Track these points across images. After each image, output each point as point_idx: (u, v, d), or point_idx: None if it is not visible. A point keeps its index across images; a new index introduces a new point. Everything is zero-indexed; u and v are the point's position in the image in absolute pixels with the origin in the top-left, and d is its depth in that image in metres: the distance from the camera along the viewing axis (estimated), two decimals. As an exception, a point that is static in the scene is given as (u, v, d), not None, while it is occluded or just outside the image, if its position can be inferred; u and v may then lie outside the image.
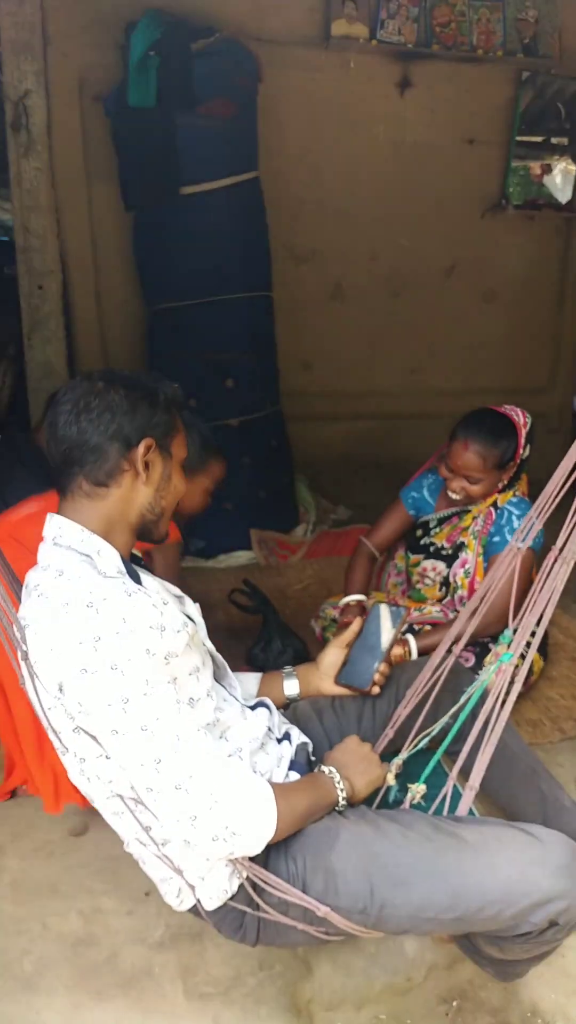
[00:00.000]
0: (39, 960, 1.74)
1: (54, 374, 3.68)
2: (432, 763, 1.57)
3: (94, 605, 1.25)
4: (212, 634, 1.62)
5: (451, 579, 2.54)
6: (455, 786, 1.61)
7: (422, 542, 2.61)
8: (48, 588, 1.28)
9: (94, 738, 1.27)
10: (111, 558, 1.36)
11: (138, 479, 1.39)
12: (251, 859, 1.37)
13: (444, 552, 2.56)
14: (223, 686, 1.58)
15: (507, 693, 1.47)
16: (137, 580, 1.39)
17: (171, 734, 1.24)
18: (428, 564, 2.60)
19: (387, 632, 1.74)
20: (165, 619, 1.33)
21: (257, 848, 1.32)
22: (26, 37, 3.34)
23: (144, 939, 1.79)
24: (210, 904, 1.42)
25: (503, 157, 4.28)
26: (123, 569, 1.37)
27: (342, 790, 1.46)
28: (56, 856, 2.00)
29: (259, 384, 3.71)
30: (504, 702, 1.47)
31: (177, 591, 1.55)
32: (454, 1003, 1.71)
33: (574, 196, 4.48)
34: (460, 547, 2.53)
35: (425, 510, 2.63)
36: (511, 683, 1.48)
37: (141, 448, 1.37)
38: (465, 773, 1.53)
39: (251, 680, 1.73)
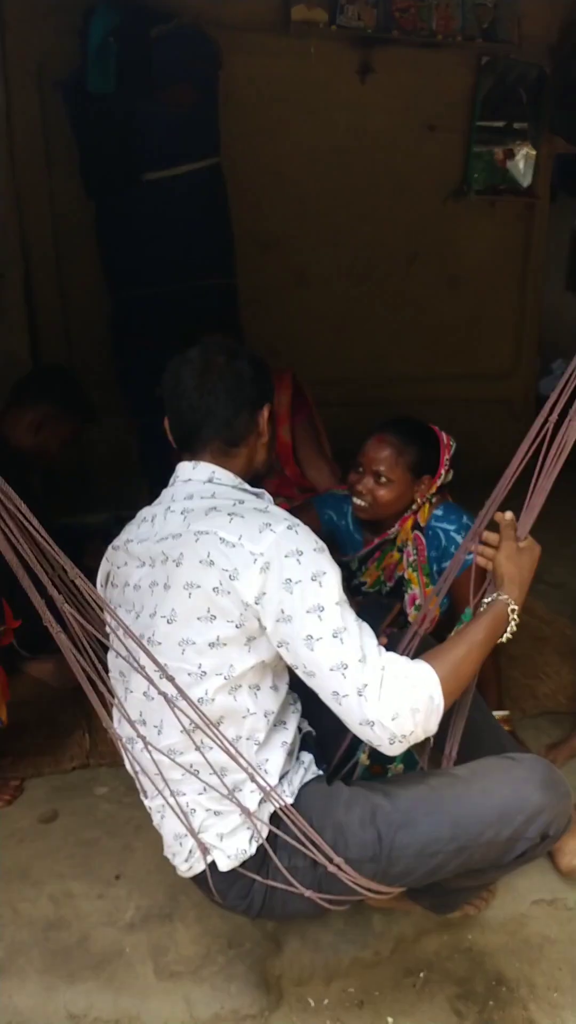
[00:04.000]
0: (10, 945, 1.75)
1: (18, 364, 3.64)
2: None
3: (293, 527, 1.40)
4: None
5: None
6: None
7: (352, 583, 2.44)
8: (236, 510, 1.42)
9: (283, 645, 1.37)
10: (270, 497, 1.54)
11: (260, 440, 1.58)
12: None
13: (385, 591, 2.41)
14: None
15: None
16: None
17: (356, 643, 1.35)
18: None
19: (375, 625, 1.75)
20: None
21: (431, 729, 1.39)
22: (-18, 23, 3.31)
23: (115, 921, 1.81)
24: (225, 865, 1.46)
25: (464, 143, 4.31)
26: None
27: (514, 626, 1.51)
28: (26, 842, 2.01)
29: (225, 371, 3.70)
30: None
31: None
32: (421, 974, 1.75)
33: (535, 181, 4.52)
34: (401, 582, 2.36)
35: (347, 542, 2.43)
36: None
37: (265, 412, 1.56)
38: (439, 747, 1.60)
39: None
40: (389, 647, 1.72)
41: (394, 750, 1.36)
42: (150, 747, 1.42)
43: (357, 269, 4.30)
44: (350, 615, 1.37)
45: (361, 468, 2.24)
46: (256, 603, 1.36)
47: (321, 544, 1.41)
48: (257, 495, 1.52)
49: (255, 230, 3.96)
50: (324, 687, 1.35)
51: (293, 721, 1.54)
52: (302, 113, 3.91)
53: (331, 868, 1.41)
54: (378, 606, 1.80)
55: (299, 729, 1.58)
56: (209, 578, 1.37)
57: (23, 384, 2.83)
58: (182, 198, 3.41)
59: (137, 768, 1.51)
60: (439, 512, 2.28)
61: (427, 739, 1.60)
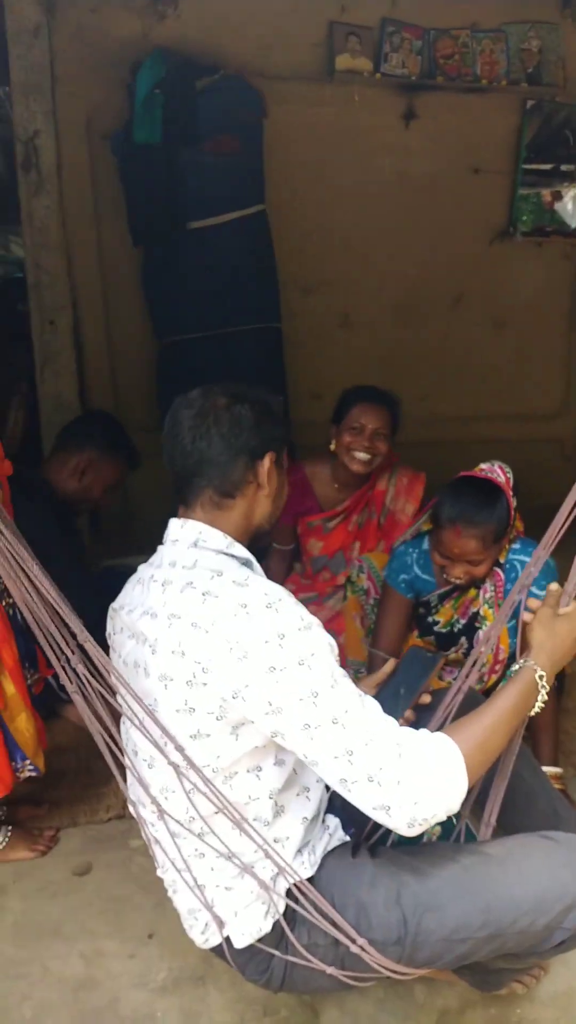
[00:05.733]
0: (39, 1005, 1.70)
1: (66, 408, 3.70)
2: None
3: (273, 605, 1.28)
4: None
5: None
6: (467, 826, 1.59)
7: (428, 620, 2.42)
8: (212, 587, 1.30)
9: (277, 735, 1.26)
10: (258, 565, 1.42)
11: (260, 491, 1.44)
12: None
13: (458, 628, 2.38)
14: None
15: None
16: None
17: (360, 726, 1.24)
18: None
19: (418, 678, 1.70)
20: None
21: (453, 809, 1.28)
22: (35, 78, 3.41)
23: (146, 983, 1.75)
24: (240, 942, 1.40)
25: (509, 186, 4.29)
26: None
27: (543, 697, 1.41)
28: (59, 896, 1.97)
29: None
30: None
31: None
32: (466, 1050, 1.66)
33: (582, 222, 4.48)
34: (475, 618, 2.33)
35: (424, 588, 2.40)
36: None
37: (266, 462, 1.43)
38: (480, 806, 1.52)
39: None
40: (434, 703, 1.67)
41: (413, 832, 1.26)
42: (165, 817, 1.36)
43: (402, 312, 4.29)
44: (350, 695, 1.26)
45: (449, 557, 2.17)
46: (234, 697, 1.25)
47: (308, 620, 1.29)
48: (243, 562, 1.40)
49: (300, 274, 3.99)
50: (330, 775, 1.25)
51: (317, 789, 1.46)
52: (347, 159, 3.95)
53: (354, 949, 1.33)
54: (421, 660, 1.73)
55: (326, 788, 1.50)
56: (182, 671, 1.28)
57: (68, 430, 2.86)
58: (227, 245, 3.47)
59: (151, 838, 1.45)
60: (516, 546, 2.25)
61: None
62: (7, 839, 2.06)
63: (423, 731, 1.31)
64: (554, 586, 1.49)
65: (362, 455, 2.73)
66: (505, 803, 1.56)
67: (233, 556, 1.39)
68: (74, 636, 1.36)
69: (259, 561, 3.34)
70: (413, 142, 4.05)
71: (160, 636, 1.31)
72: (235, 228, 3.48)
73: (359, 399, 2.79)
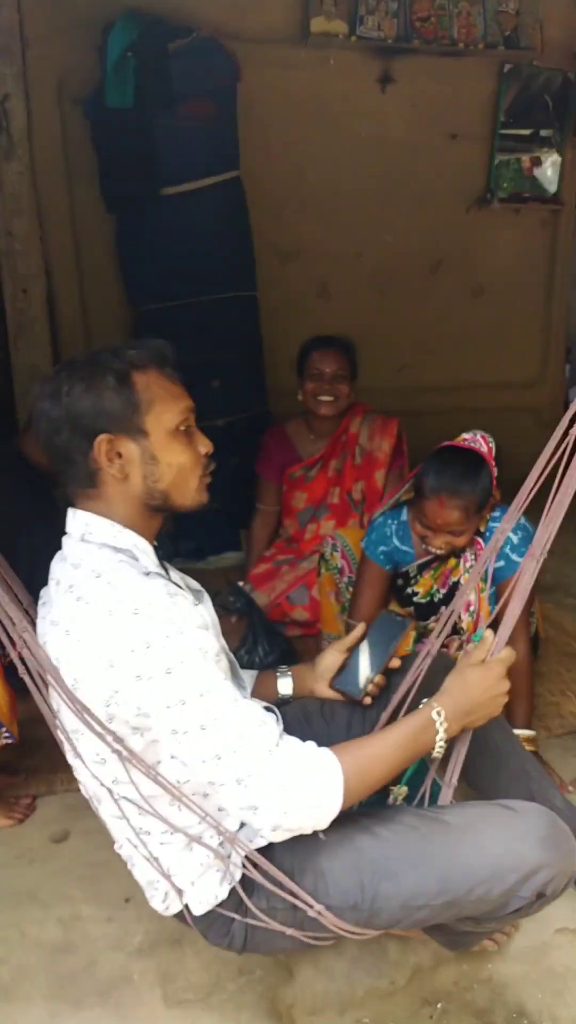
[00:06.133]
0: (16, 968, 1.72)
1: (40, 378, 3.66)
2: (414, 764, 1.56)
3: (140, 611, 1.23)
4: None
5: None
6: (436, 781, 1.61)
7: (406, 592, 2.44)
8: (86, 591, 1.26)
9: (147, 733, 1.26)
10: (149, 554, 1.35)
11: (118, 476, 1.33)
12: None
13: (437, 599, 2.40)
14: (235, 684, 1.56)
15: None
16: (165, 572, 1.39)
17: (230, 732, 1.23)
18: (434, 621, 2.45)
19: (388, 642, 1.70)
20: (205, 618, 1.33)
21: (321, 825, 1.29)
22: (4, 40, 3.32)
23: (123, 946, 1.77)
24: (198, 909, 1.41)
25: (487, 151, 4.26)
26: (159, 565, 1.37)
27: (442, 739, 1.38)
28: (36, 863, 1.98)
29: (245, 384, 3.68)
30: None
31: (197, 585, 1.55)
32: (439, 1005, 1.69)
33: (560, 188, 4.46)
34: (455, 587, 2.33)
35: (403, 559, 2.41)
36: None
37: (98, 447, 1.31)
38: (445, 767, 1.53)
39: (246, 677, 1.70)
40: (404, 668, 1.68)
41: (276, 837, 1.27)
42: (116, 796, 1.35)
43: (379, 279, 4.26)
44: (221, 701, 1.24)
45: (431, 528, 2.15)
46: (107, 704, 1.24)
47: (179, 625, 1.24)
48: (127, 558, 1.32)
49: (276, 242, 3.95)
50: (200, 777, 1.26)
51: None
52: (322, 124, 3.89)
53: (311, 914, 1.34)
54: (391, 624, 1.73)
55: None
56: (63, 675, 1.26)
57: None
58: (201, 211, 3.41)
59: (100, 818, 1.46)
60: (496, 514, 2.25)
61: (427, 764, 1.55)
62: (-16, 807, 2.07)
63: (309, 743, 1.31)
64: (488, 633, 1.47)
65: (325, 398, 3.01)
66: (475, 764, 1.58)
67: (118, 549, 1.33)
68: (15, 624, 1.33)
69: (244, 525, 3.38)
70: (389, 107, 4.00)
71: (46, 641, 1.29)
72: (209, 194, 3.41)
73: (314, 347, 3.07)
